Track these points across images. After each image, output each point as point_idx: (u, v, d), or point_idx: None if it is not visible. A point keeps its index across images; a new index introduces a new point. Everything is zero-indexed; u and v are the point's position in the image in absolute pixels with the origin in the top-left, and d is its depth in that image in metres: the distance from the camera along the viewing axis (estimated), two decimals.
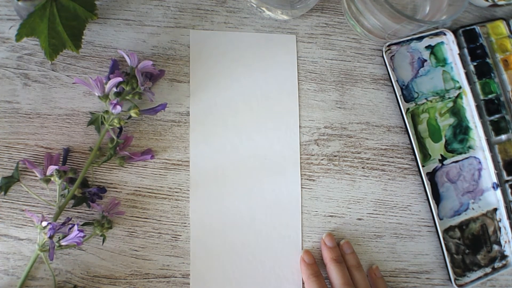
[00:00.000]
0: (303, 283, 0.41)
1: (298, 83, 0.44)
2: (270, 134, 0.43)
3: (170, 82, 0.43)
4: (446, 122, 0.46)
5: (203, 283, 0.40)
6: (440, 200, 0.44)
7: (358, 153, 0.44)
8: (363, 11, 0.41)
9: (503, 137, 0.45)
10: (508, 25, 0.47)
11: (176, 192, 0.41)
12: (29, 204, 0.39)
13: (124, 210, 0.40)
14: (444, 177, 0.45)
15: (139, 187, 0.41)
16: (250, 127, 0.43)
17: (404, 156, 0.45)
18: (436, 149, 0.45)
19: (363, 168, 0.44)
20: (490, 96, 0.45)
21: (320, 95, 0.45)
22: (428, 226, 0.44)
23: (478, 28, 0.46)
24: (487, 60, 0.46)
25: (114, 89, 0.38)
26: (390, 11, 0.37)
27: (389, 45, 0.45)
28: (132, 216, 0.41)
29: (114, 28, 0.42)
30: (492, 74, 0.46)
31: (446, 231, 0.44)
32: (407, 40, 0.45)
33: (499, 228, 0.45)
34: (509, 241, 0.44)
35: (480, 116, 0.45)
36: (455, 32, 0.46)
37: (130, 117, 0.39)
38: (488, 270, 0.44)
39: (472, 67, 0.46)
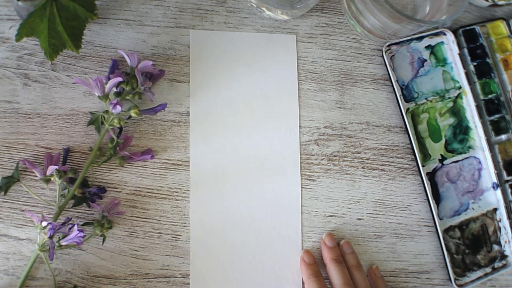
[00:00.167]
0: (303, 283, 0.41)
1: (298, 83, 0.44)
2: (270, 134, 0.43)
3: (170, 82, 0.43)
4: (446, 122, 0.46)
5: (203, 283, 0.40)
6: (440, 200, 0.44)
7: (358, 153, 0.44)
8: (363, 11, 0.41)
9: (503, 137, 0.45)
10: (508, 25, 0.47)
11: (176, 192, 0.41)
12: (29, 204, 0.39)
13: (124, 210, 0.40)
14: (444, 177, 0.45)
15: (139, 187, 0.41)
16: (250, 127, 0.43)
17: (404, 156, 0.45)
18: (436, 149, 0.45)
19: (363, 168, 0.44)
20: (490, 96, 0.45)
21: (320, 95, 0.45)
22: (428, 226, 0.44)
23: (478, 28, 0.46)
24: (487, 60, 0.46)
25: (114, 89, 0.38)
26: (390, 11, 0.37)
27: (389, 45, 0.45)
28: (132, 216, 0.41)
29: (114, 28, 0.42)
30: (492, 74, 0.46)
31: (446, 231, 0.44)
32: (407, 40, 0.45)
33: (499, 228, 0.45)
34: (509, 241, 0.44)
35: (480, 116, 0.45)
36: (455, 32, 0.46)
37: (130, 117, 0.39)
38: (488, 270, 0.44)
39: (472, 67, 0.46)
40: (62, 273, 0.39)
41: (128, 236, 0.40)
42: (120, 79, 0.36)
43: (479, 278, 0.43)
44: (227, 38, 0.44)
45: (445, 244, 0.43)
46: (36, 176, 0.38)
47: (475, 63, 0.46)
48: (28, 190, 0.39)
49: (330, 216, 0.43)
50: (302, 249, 0.42)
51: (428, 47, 0.46)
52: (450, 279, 0.43)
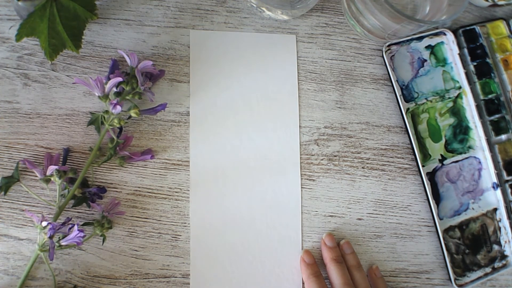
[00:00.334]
0: (303, 283, 0.41)
1: (298, 83, 0.44)
2: (270, 134, 0.43)
3: (170, 82, 0.43)
4: (446, 122, 0.46)
5: (203, 283, 0.40)
6: (440, 200, 0.44)
7: (358, 153, 0.44)
8: (363, 11, 0.41)
9: (503, 137, 0.45)
10: (508, 25, 0.47)
11: (176, 192, 0.41)
12: (29, 204, 0.39)
13: (124, 210, 0.40)
14: (444, 177, 0.45)
15: (139, 187, 0.41)
16: (250, 127, 0.43)
17: (404, 156, 0.45)
18: (436, 149, 0.45)
19: (363, 168, 0.44)
20: (490, 96, 0.45)
21: (320, 95, 0.45)
22: (428, 226, 0.44)
23: (478, 28, 0.46)
24: (487, 60, 0.46)
25: (114, 89, 0.38)
26: (390, 11, 0.37)
27: (389, 45, 0.45)
28: (132, 216, 0.41)
29: (114, 28, 0.42)
30: (492, 74, 0.46)
31: (446, 231, 0.44)
32: (407, 40, 0.45)
33: (499, 228, 0.45)
34: (509, 241, 0.44)
35: (480, 116, 0.45)
36: (455, 32, 0.46)
37: (130, 117, 0.40)
38: (488, 270, 0.44)
39: (472, 67, 0.46)
40: (62, 273, 0.39)
41: (128, 236, 0.40)
42: (120, 79, 0.36)
43: (479, 278, 0.43)
44: (227, 38, 0.44)
45: (445, 244, 0.43)
46: (36, 176, 0.38)
47: (475, 63, 0.46)
48: (28, 190, 0.39)
49: (330, 216, 0.43)
50: (302, 249, 0.42)
51: (428, 47, 0.46)
52: (450, 279, 0.43)
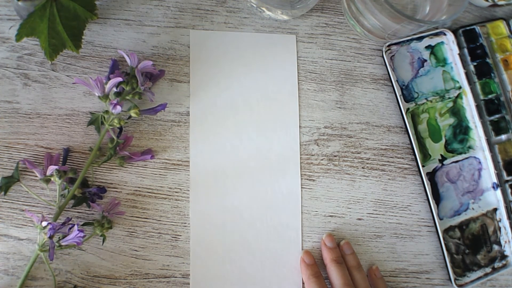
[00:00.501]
0: (303, 283, 0.41)
1: (298, 83, 0.44)
2: (270, 134, 0.43)
3: (170, 82, 0.43)
4: (446, 122, 0.46)
5: (203, 283, 0.40)
6: (440, 200, 0.44)
7: (358, 153, 0.44)
8: (363, 11, 0.41)
9: (503, 137, 0.45)
10: (508, 25, 0.47)
11: (176, 192, 0.41)
12: (29, 204, 0.39)
13: (124, 210, 0.40)
14: (444, 177, 0.45)
15: (139, 187, 0.41)
16: (250, 127, 0.43)
17: (404, 156, 0.45)
18: (436, 149, 0.45)
19: (363, 168, 0.44)
20: (490, 96, 0.45)
21: (320, 95, 0.45)
22: (428, 226, 0.44)
23: (478, 28, 0.46)
24: (487, 60, 0.46)
25: (114, 89, 0.38)
26: (390, 11, 0.37)
27: (389, 45, 0.45)
28: (132, 216, 0.41)
29: (114, 28, 0.42)
30: (492, 74, 0.46)
31: (446, 231, 0.44)
32: (407, 40, 0.45)
33: (499, 228, 0.45)
34: (509, 241, 0.44)
35: (480, 116, 0.45)
36: (455, 32, 0.46)
37: (130, 117, 0.39)
38: (488, 270, 0.44)
39: (472, 67, 0.46)
40: (62, 273, 0.39)
41: (128, 236, 0.40)
42: (120, 79, 0.36)
43: (479, 278, 0.43)
44: (227, 38, 0.44)
45: (445, 244, 0.43)
46: (36, 176, 0.38)
47: (475, 63, 0.46)
48: (28, 190, 0.39)
49: (330, 216, 0.43)
50: (302, 249, 0.42)
51: (428, 47, 0.46)
52: (450, 279, 0.43)
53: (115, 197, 0.40)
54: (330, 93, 0.45)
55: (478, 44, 0.46)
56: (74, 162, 0.40)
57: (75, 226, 0.35)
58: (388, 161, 0.45)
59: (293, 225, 0.42)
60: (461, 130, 0.46)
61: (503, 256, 0.44)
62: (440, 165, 0.45)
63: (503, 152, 0.45)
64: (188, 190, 0.41)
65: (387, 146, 0.45)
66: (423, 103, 0.45)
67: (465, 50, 0.46)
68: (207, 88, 0.43)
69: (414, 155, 0.44)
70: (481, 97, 0.46)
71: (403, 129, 0.45)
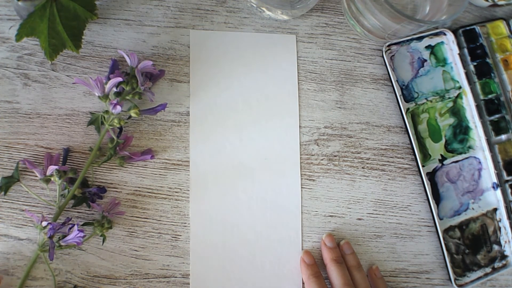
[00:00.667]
0: (303, 283, 0.41)
1: (298, 83, 0.44)
2: (270, 134, 0.43)
3: (170, 82, 0.43)
4: (446, 122, 0.46)
5: (203, 283, 0.40)
6: (440, 200, 0.44)
7: (358, 153, 0.44)
8: (363, 11, 0.41)
9: (503, 137, 0.45)
10: (508, 25, 0.47)
11: (176, 192, 0.41)
12: (29, 204, 0.39)
13: (124, 210, 0.40)
14: (444, 177, 0.45)
15: (139, 187, 0.41)
16: (250, 127, 0.43)
17: (404, 156, 0.45)
18: (436, 149, 0.45)
19: (363, 168, 0.44)
20: (490, 96, 0.45)
21: (320, 95, 0.45)
22: (428, 226, 0.44)
23: (478, 28, 0.46)
24: (487, 60, 0.46)
25: (114, 89, 0.38)
26: (390, 11, 0.37)
27: (389, 45, 0.45)
28: (132, 216, 0.41)
29: (114, 28, 0.42)
30: (492, 74, 0.46)
31: (446, 231, 0.44)
32: (407, 40, 0.45)
33: (499, 228, 0.45)
34: (509, 241, 0.44)
35: (480, 116, 0.45)
36: (455, 32, 0.46)
37: (130, 117, 0.39)
38: (488, 270, 0.44)
39: (472, 67, 0.46)
40: (62, 273, 0.39)
41: (128, 236, 0.40)
42: (120, 79, 0.36)
43: (479, 278, 0.43)
44: (227, 38, 0.44)
45: (445, 244, 0.43)
46: (36, 176, 0.38)
47: (475, 63, 0.46)
48: (28, 190, 0.39)
49: (330, 216, 0.43)
50: (302, 249, 0.42)
51: (428, 47, 0.46)
52: (450, 279, 0.43)
53: (115, 197, 0.40)
54: (330, 93, 0.45)
55: (478, 44, 0.46)
56: (74, 162, 0.40)
57: (75, 226, 0.35)
58: (388, 161, 0.45)
59: (293, 225, 0.42)
60: (461, 130, 0.46)
61: (503, 256, 0.44)
62: (440, 165, 0.45)
63: (503, 152, 0.45)
64: (188, 190, 0.41)
65: (387, 146, 0.45)
66: (423, 103, 0.45)
67: (465, 50, 0.46)
68: (207, 88, 0.43)
69: (414, 155, 0.44)
70: (481, 97, 0.46)
71: (403, 129, 0.45)
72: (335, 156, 0.44)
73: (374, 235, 0.43)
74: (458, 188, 0.45)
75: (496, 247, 0.45)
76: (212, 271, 0.40)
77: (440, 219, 0.44)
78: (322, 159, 0.44)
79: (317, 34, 0.45)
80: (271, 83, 0.44)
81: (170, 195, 0.41)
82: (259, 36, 0.44)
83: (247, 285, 0.41)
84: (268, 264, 0.41)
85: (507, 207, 0.45)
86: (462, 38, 0.46)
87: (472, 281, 0.43)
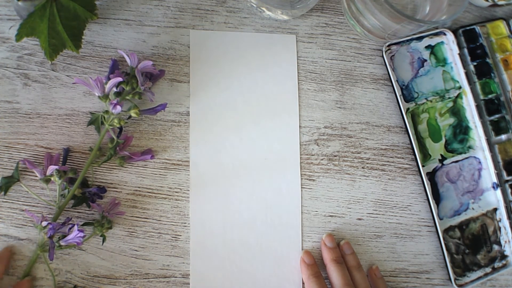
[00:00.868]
0: (303, 283, 0.41)
1: (298, 83, 0.44)
2: (270, 134, 0.43)
3: (170, 82, 0.43)
4: (446, 122, 0.46)
5: (203, 283, 0.40)
6: (440, 200, 0.44)
7: (358, 153, 0.44)
8: (363, 11, 0.41)
9: (503, 137, 0.45)
10: (508, 25, 0.47)
11: (176, 192, 0.41)
12: (29, 204, 0.39)
13: (124, 210, 0.40)
14: (444, 177, 0.45)
15: (139, 187, 0.41)
16: (250, 127, 0.43)
17: (404, 156, 0.45)
18: (436, 149, 0.45)
19: (363, 168, 0.44)
20: (490, 96, 0.45)
21: (320, 95, 0.45)
22: (428, 226, 0.44)
23: (478, 28, 0.46)
24: (487, 60, 0.46)
25: (114, 89, 0.38)
26: (390, 11, 0.37)
27: (389, 45, 0.45)
28: (132, 216, 0.41)
29: (114, 28, 0.42)
30: (492, 74, 0.46)
31: (446, 231, 0.44)
32: (407, 40, 0.45)
33: (499, 228, 0.45)
34: (509, 241, 0.44)
35: (480, 116, 0.45)
36: (455, 32, 0.46)
37: (130, 117, 0.40)
38: (488, 270, 0.44)
39: (472, 67, 0.46)
40: (62, 273, 0.39)
41: (128, 236, 0.40)
42: (120, 79, 0.36)
43: (479, 278, 0.43)
44: (227, 38, 0.44)
45: (445, 244, 0.43)
46: (36, 176, 0.38)
47: (475, 63, 0.46)
48: (28, 190, 0.39)
49: (330, 216, 0.43)
50: (302, 249, 0.42)
51: (428, 47, 0.46)
52: (450, 279, 0.43)
53: (115, 197, 0.40)
54: (330, 93, 0.45)
55: (478, 44, 0.46)
56: (74, 162, 0.40)
57: (75, 226, 0.35)
58: (388, 161, 0.45)
59: (293, 225, 0.42)
60: (461, 130, 0.46)
61: (503, 256, 0.44)
62: (440, 165, 0.45)
63: (503, 152, 0.45)
64: (188, 190, 0.41)
65: (387, 146, 0.45)
66: (423, 103, 0.45)
67: (465, 50, 0.46)
68: (207, 88, 0.43)
69: (414, 155, 0.44)
70: (481, 97, 0.46)
71: (403, 129, 0.45)
72: (335, 156, 0.44)
73: (374, 235, 0.43)
74: (458, 188, 0.45)
75: (496, 247, 0.45)
76: (212, 271, 0.40)
77: (440, 219, 0.44)
78: (322, 159, 0.44)
79: (317, 34, 0.45)
80: (271, 83, 0.44)
81: (170, 195, 0.41)
82: (259, 36, 0.44)
83: (247, 285, 0.41)
84: (268, 264, 0.41)
85: (507, 207, 0.45)
86: (462, 38, 0.46)
87: (472, 281, 0.43)
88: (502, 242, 0.45)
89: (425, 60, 0.46)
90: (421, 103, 0.45)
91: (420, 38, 0.46)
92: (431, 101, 0.46)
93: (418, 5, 0.44)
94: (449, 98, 0.46)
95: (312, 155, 0.44)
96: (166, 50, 0.43)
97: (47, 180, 0.38)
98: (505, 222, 0.44)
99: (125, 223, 0.40)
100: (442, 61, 0.46)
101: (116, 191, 0.41)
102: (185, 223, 0.41)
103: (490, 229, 0.45)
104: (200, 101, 0.43)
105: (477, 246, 0.44)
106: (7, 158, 0.40)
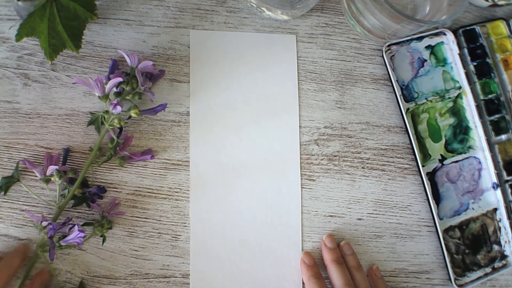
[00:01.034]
0: (303, 284, 0.41)
1: (298, 83, 0.44)
2: (270, 134, 0.43)
3: (170, 82, 0.43)
4: (446, 122, 0.46)
5: (203, 283, 0.40)
6: (440, 200, 0.44)
7: (358, 153, 0.44)
8: (363, 11, 0.41)
9: (503, 137, 0.45)
10: (508, 25, 0.47)
11: (176, 192, 0.41)
12: (29, 204, 0.39)
13: (124, 210, 0.40)
14: (444, 177, 0.45)
15: (139, 187, 0.41)
16: (250, 127, 0.43)
17: (404, 156, 0.45)
18: (436, 149, 0.45)
19: (363, 168, 0.44)
20: (490, 96, 0.45)
21: (320, 95, 0.45)
22: (428, 226, 0.44)
23: (478, 28, 0.46)
24: (487, 60, 0.46)
25: (114, 89, 0.38)
26: (390, 11, 0.37)
27: (389, 45, 0.45)
28: (132, 216, 0.41)
29: (114, 28, 0.42)
30: (492, 74, 0.46)
31: (446, 231, 0.44)
32: (407, 40, 0.45)
33: (499, 228, 0.45)
34: (509, 241, 0.44)
35: (480, 116, 0.45)
36: (455, 32, 0.46)
37: (130, 117, 0.40)
38: (488, 270, 0.44)
39: (472, 67, 0.46)
40: (62, 273, 0.39)
41: (128, 236, 0.40)
42: (120, 79, 0.36)
43: (479, 278, 0.43)
44: (227, 38, 0.44)
45: (445, 244, 0.43)
46: (36, 176, 0.38)
47: (475, 63, 0.46)
48: (28, 190, 0.39)
49: (330, 216, 0.43)
50: (302, 249, 0.42)
51: (428, 47, 0.46)
52: (450, 279, 0.43)
53: (115, 197, 0.40)
54: (330, 93, 0.45)
55: (478, 44, 0.46)
56: (74, 162, 0.40)
57: (76, 226, 0.35)
58: (388, 161, 0.45)
59: (293, 225, 0.42)
60: (461, 130, 0.46)
61: (503, 256, 0.44)
62: (440, 165, 0.45)
63: (503, 152, 0.45)
64: (188, 190, 0.41)
65: (387, 146, 0.45)
66: (423, 103, 0.45)
67: (465, 50, 0.46)
68: (207, 88, 0.43)
69: (414, 155, 0.44)
70: (481, 97, 0.46)
71: (403, 129, 0.45)
72: (335, 156, 0.44)
73: (374, 235, 0.43)
74: (458, 188, 0.45)
75: (496, 247, 0.45)
76: (212, 271, 0.40)
77: (440, 219, 0.44)
78: (322, 159, 0.44)
79: (317, 34, 0.45)
80: (271, 83, 0.44)
81: (170, 195, 0.41)
82: (259, 36, 0.44)
83: (247, 285, 0.41)
84: (268, 264, 0.41)
85: (507, 207, 0.45)
86: (462, 38, 0.46)
87: (472, 281, 0.43)
88: (502, 242, 0.45)
89: (425, 60, 0.46)
90: (421, 103, 0.45)
91: (420, 38, 0.46)
92: (431, 101, 0.46)
93: (418, 5, 0.44)
94: (449, 98, 0.46)
95: (312, 155, 0.44)
96: (166, 50, 0.43)
97: (47, 180, 0.38)
98: (505, 222, 0.44)
99: (125, 223, 0.40)
100: (442, 61, 0.46)
101: (116, 191, 0.41)
102: (185, 223, 0.41)
103: (490, 229, 0.45)
104: (200, 101, 0.43)
105: (477, 246, 0.44)
106: (7, 158, 0.40)
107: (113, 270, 0.40)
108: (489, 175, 0.45)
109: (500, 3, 0.46)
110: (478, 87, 0.46)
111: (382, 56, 0.45)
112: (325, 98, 0.45)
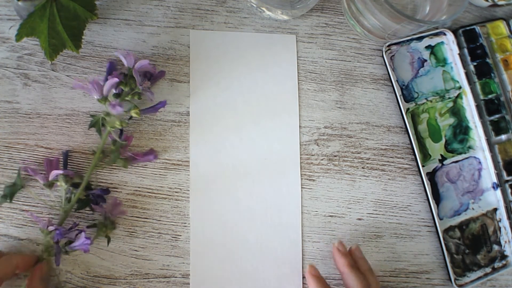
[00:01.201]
0: (303, 284, 0.41)
1: (298, 83, 0.44)
2: (270, 134, 0.43)
3: (170, 82, 0.43)
4: (446, 122, 0.46)
5: (203, 283, 0.40)
6: (440, 200, 0.44)
7: (358, 153, 0.44)
8: (363, 11, 0.41)
9: (503, 137, 0.45)
10: (508, 25, 0.47)
11: (176, 192, 0.41)
12: (29, 204, 0.39)
13: (125, 210, 0.40)
14: (444, 177, 0.45)
15: (139, 187, 0.41)
16: (250, 127, 0.43)
17: (404, 156, 0.45)
18: (436, 149, 0.45)
19: (363, 168, 0.44)
20: (490, 96, 0.45)
21: (320, 95, 0.45)
22: (428, 226, 0.44)
23: (478, 28, 0.46)
24: (487, 60, 0.46)
25: (113, 91, 0.38)
26: (390, 11, 0.37)
27: (389, 45, 0.45)
28: (132, 216, 0.40)
29: (114, 28, 0.42)
30: (492, 74, 0.46)
31: (446, 231, 0.44)
32: (407, 40, 0.45)
33: (499, 228, 0.45)
34: (509, 241, 0.44)
35: (480, 116, 0.45)
36: (455, 32, 0.46)
37: (131, 117, 0.39)
38: (488, 270, 0.44)
39: (472, 67, 0.46)
40: (62, 273, 0.39)
41: (128, 236, 0.40)
42: (116, 79, 0.36)
43: (479, 278, 0.43)
44: (227, 38, 0.44)
45: (445, 244, 0.43)
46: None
47: (475, 63, 0.46)
48: (35, 197, 0.39)
49: (330, 216, 0.43)
50: (302, 249, 0.42)
51: (428, 47, 0.46)
52: (450, 279, 0.43)
53: (116, 197, 0.40)
54: (330, 93, 0.45)
55: (478, 44, 0.46)
56: (74, 163, 0.40)
57: (83, 233, 0.35)
58: (388, 161, 0.45)
59: (293, 225, 0.42)
60: (461, 130, 0.46)
61: (503, 256, 0.44)
62: (440, 165, 0.45)
63: (503, 152, 0.45)
64: (188, 190, 0.41)
65: (387, 146, 0.45)
66: (423, 103, 0.45)
67: (465, 50, 0.46)
68: (207, 88, 0.43)
69: (414, 155, 0.44)
70: (481, 97, 0.46)
71: (403, 129, 0.45)
72: (335, 156, 0.44)
73: (374, 235, 0.43)
74: (458, 188, 0.45)
75: (496, 247, 0.45)
76: (212, 271, 0.40)
77: (440, 219, 0.44)
78: (322, 159, 0.44)
79: (317, 34, 0.45)
80: (271, 83, 0.44)
81: (170, 195, 0.41)
82: (259, 36, 0.44)
83: (247, 285, 0.41)
84: (268, 264, 0.41)
85: (507, 207, 0.45)
86: (462, 38, 0.46)
87: (472, 281, 0.43)
88: (502, 242, 0.45)
89: (425, 60, 0.46)
90: (421, 103, 0.45)
91: (420, 38, 0.46)
92: (431, 101, 0.46)
93: (418, 5, 0.44)
94: (449, 98, 0.46)
95: (312, 155, 0.44)
96: (166, 50, 0.43)
97: (50, 185, 0.37)
98: (505, 222, 0.44)
99: (125, 223, 0.40)
100: (442, 61, 0.46)
101: (116, 191, 0.41)
102: (185, 223, 0.41)
103: (490, 229, 0.45)
104: (200, 101, 0.43)
105: (477, 246, 0.44)
106: (7, 158, 0.40)
107: (113, 270, 0.40)
108: (489, 175, 0.45)
109: (500, 3, 0.46)
110: (478, 87, 0.46)
111: (382, 56, 0.45)
112: (325, 98, 0.45)
